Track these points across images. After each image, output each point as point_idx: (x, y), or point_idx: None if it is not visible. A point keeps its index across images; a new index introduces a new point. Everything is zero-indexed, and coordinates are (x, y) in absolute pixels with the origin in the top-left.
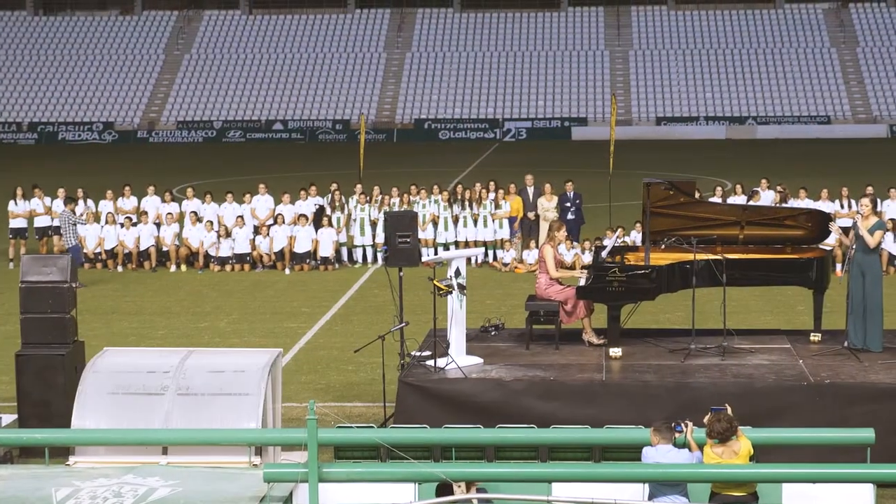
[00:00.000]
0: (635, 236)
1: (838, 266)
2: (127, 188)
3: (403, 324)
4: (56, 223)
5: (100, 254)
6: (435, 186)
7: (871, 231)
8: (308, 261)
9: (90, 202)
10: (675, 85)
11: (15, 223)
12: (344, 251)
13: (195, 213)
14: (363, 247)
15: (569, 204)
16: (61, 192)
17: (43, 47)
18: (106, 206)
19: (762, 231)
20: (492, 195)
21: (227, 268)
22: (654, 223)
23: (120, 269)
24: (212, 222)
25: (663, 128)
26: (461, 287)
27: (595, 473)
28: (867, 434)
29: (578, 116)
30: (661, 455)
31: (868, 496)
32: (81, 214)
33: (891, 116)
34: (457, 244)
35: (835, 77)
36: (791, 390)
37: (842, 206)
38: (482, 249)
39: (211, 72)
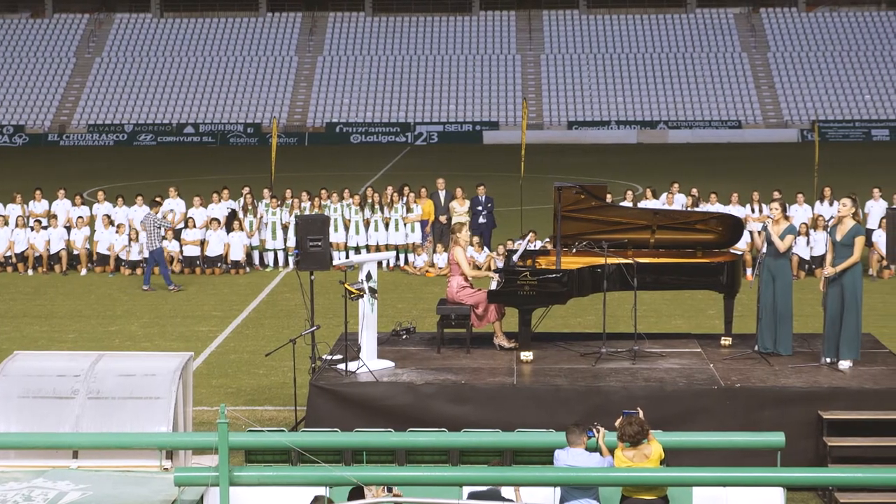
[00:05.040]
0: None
1: (749, 270)
2: (38, 192)
3: (315, 327)
4: None
5: (10, 257)
6: (346, 190)
7: (782, 236)
8: (219, 264)
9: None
10: (587, 89)
11: None
12: (255, 255)
13: (108, 216)
14: (274, 250)
15: (480, 207)
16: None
17: None
18: (15, 209)
19: (673, 235)
20: (403, 199)
21: (138, 271)
22: (566, 227)
23: (30, 272)
24: (123, 225)
25: (575, 132)
26: (372, 291)
27: (506, 477)
28: (777, 438)
29: (490, 120)
30: (572, 459)
31: (778, 500)
32: (165, 217)
33: (801, 121)
34: (368, 248)
35: (746, 81)
36: (702, 394)
37: (752, 211)
38: (394, 253)
39: (122, 75)
